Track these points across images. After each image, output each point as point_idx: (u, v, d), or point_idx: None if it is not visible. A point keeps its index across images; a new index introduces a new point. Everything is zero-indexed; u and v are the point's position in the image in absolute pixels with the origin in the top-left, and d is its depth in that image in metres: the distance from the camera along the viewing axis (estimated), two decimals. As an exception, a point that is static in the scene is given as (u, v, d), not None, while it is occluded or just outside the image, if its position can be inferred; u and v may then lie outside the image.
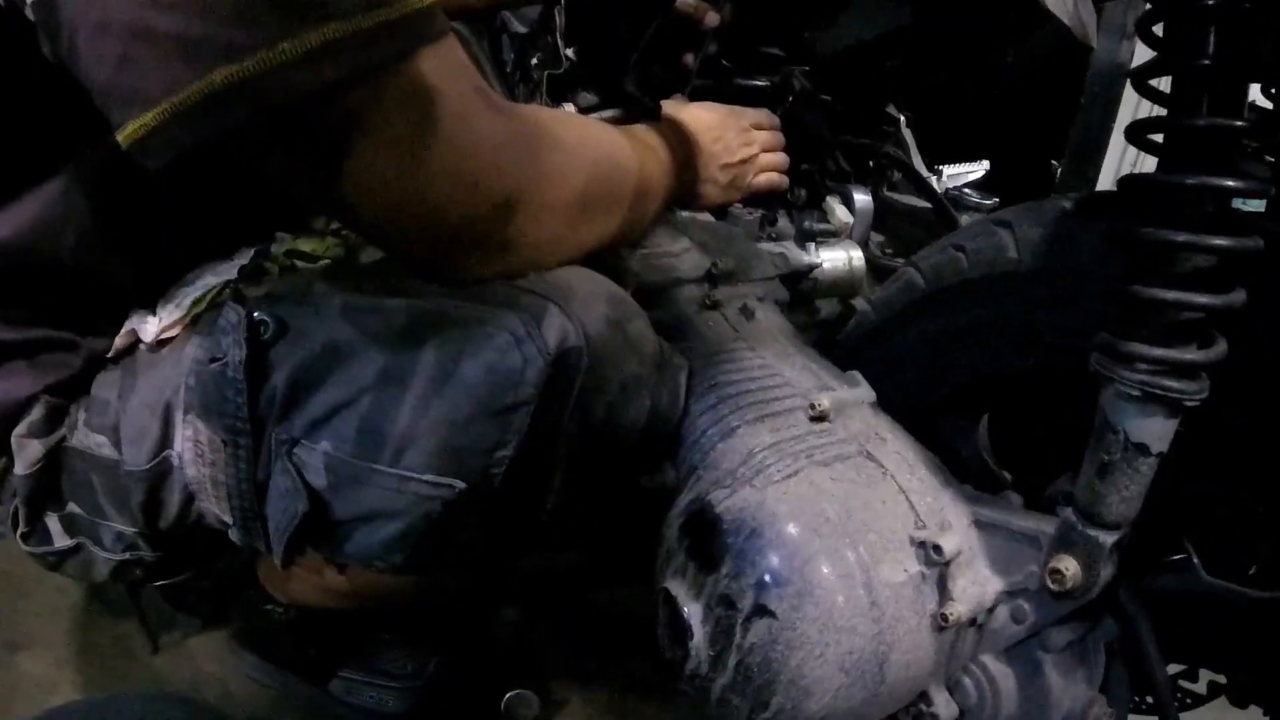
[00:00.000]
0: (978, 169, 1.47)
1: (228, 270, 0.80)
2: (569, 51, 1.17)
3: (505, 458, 0.70)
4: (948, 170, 1.44)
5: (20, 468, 0.81)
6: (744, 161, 1.07)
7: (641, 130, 0.95)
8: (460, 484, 0.70)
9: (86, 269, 0.76)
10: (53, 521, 0.86)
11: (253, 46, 0.54)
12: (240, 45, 0.54)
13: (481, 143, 0.68)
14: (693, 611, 0.71)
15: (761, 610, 0.66)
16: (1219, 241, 0.55)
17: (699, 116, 1.04)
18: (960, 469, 0.80)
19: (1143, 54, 0.61)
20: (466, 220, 0.69)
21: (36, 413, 0.80)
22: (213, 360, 0.74)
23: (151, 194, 0.73)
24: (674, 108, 1.05)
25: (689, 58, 1.14)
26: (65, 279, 0.76)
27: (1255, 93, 0.59)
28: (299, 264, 0.83)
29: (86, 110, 0.59)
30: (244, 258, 0.82)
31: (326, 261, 0.83)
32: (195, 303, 0.78)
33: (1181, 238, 0.56)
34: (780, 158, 1.14)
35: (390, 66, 0.60)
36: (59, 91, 0.61)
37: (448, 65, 0.64)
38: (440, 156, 0.65)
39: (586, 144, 0.80)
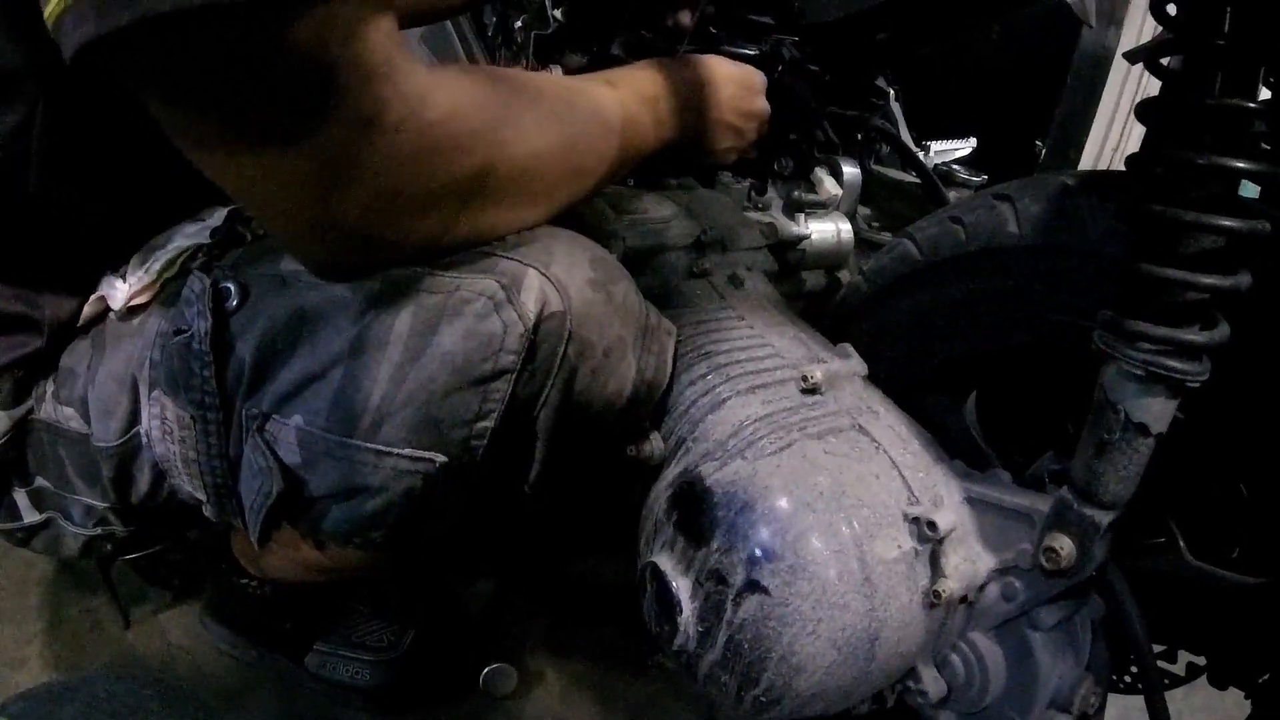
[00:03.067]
0: (965, 145, 1.46)
1: (199, 233, 0.77)
2: (556, 13, 1.15)
3: (486, 429, 0.69)
4: (936, 146, 1.43)
5: None
6: (755, 127, 1.04)
7: (640, 70, 0.90)
8: (441, 458, 0.68)
9: (49, 216, 0.72)
10: (20, 496, 0.84)
11: None
12: None
13: (371, 123, 0.59)
14: (681, 586, 0.71)
15: (753, 585, 0.66)
16: (1228, 223, 0.55)
17: (721, 67, 0.99)
18: (946, 445, 0.79)
19: (1127, 41, 0.60)
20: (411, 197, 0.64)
21: (3, 386, 0.78)
22: (177, 333, 0.71)
23: (115, 133, 0.69)
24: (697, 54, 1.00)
25: (685, 16, 1.12)
26: (27, 228, 0.72)
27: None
28: None
29: (33, 51, 0.55)
30: (215, 218, 0.79)
31: None
32: (165, 266, 0.75)
33: (1191, 217, 0.55)
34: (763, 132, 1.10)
35: (288, 14, 0.51)
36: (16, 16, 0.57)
37: (357, 33, 0.55)
38: (330, 137, 0.58)
39: (552, 103, 0.74)
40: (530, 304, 0.67)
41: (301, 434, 0.69)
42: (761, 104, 1.04)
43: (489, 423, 0.68)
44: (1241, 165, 0.54)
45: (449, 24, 1.49)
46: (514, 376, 0.67)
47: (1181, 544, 0.74)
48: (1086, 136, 1.93)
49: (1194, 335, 0.57)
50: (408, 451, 0.68)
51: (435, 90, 0.62)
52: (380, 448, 0.68)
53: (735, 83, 1.00)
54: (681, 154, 1.02)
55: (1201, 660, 0.83)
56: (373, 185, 0.61)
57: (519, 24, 1.26)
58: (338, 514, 0.73)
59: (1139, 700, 0.77)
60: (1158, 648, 0.87)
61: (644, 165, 1.02)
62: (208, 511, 0.79)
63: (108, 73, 0.53)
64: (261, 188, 0.62)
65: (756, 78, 1.04)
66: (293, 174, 0.59)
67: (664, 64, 0.92)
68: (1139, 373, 0.58)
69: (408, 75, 0.59)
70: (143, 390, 0.74)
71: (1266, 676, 0.77)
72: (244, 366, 0.70)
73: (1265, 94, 0.61)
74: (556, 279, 0.69)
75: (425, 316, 0.66)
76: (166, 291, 0.75)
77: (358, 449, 0.68)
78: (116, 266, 0.77)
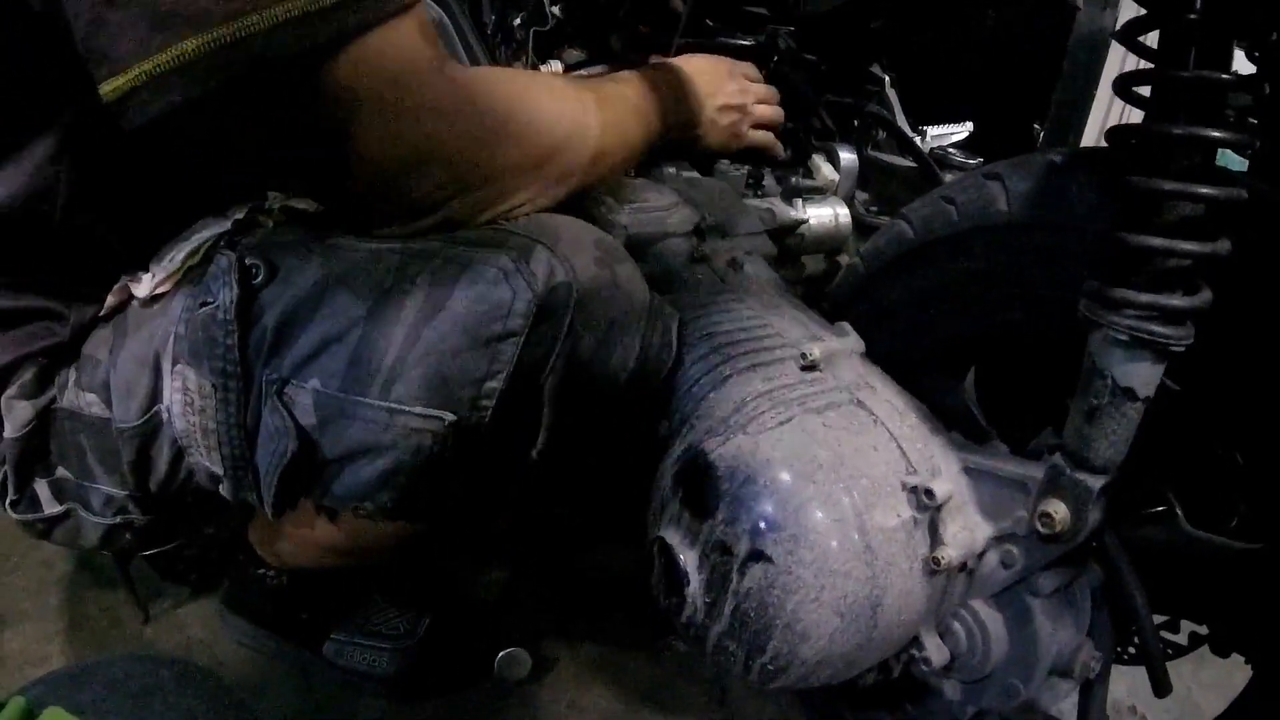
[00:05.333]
0: (962, 129, 1.47)
1: (221, 225, 0.80)
2: (555, 9, 1.17)
3: (494, 390, 0.71)
4: (932, 130, 1.44)
5: (10, 430, 0.81)
6: (740, 108, 1.11)
7: (620, 80, 0.97)
8: (449, 416, 0.71)
9: (76, 231, 0.75)
10: (41, 488, 0.86)
11: (222, 16, 0.55)
12: (209, 15, 0.55)
13: (436, 111, 0.70)
14: (688, 559, 0.72)
15: (757, 555, 0.67)
16: (1206, 190, 0.56)
17: (691, 62, 1.07)
18: (946, 421, 0.80)
19: (1124, 21, 0.61)
20: (423, 187, 0.73)
21: (26, 374, 0.80)
22: (202, 305, 0.74)
23: (142, 154, 0.72)
24: (666, 59, 1.08)
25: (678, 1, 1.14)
26: (54, 242, 0.76)
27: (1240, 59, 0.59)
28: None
29: (74, 67, 0.59)
30: (238, 214, 0.81)
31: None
32: (189, 256, 0.78)
33: (1170, 186, 0.57)
34: (775, 113, 1.16)
35: (351, 39, 0.62)
36: (48, 47, 0.61)
37: (411, 37, 0.66)
38: (405, 125, 0.68)
39: (545, 107, 0.81)
40: (539, 274, 0.70)
41: (318, 396, 0.72)
42: (738, 89, 1.11)
43: (496, 383, 0.71)
44: (1217, 135, 0.55)
45: (448, 22, 1.50)
46: (521, 340, 0.70)
47: (1179, 513, 0.75)
48: (1085, 118, 1.92)
49: (1177, 300, 0.59)
50: (418, 409, 0.70)
51: (478, 79, 0.73)
52: (392, 405, 0.70)
53: (706, 74, 1.07)
54: (680, 149, 1.10)
55: (1204, 629, 0.84)
56: (443, 166, 0.72)
57: (518, 21, 1.28)
58: (350, 477, 0.75)
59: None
60: (1160, 618, 0.88)
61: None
62: (224, 490, 0.80)
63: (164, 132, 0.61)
64: (338, 184, 0.73)
65: (725, 66, 1.11)
66: (364, 170, 0.70)
67: (638, 71, 1.00)
68: (1124, 339, 0.60)
69: (451, 67, 0.70)
70: (165, 365, 0.77)
71: (1267, 643, 0.78)
72: (266, 334, 0.73)
73: (1252, 68, 0.63)
74: (563, 254, 0.72)
75: (440, 284, 0.70)
76: (190, 276, 0.78)
77: (370, 407, 0.71)
78: (141, 265, 0.80)
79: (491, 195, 0.76)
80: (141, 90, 0.57)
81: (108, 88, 0.57)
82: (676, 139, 1.04)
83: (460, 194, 0.74)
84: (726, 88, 1.09)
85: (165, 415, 0.78)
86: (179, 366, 0.76)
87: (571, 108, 0.84)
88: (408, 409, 0.70)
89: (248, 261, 0.74)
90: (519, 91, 0.78)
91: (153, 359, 0.77)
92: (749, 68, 1.15)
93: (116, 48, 0.56)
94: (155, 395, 0.78)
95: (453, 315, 0.69)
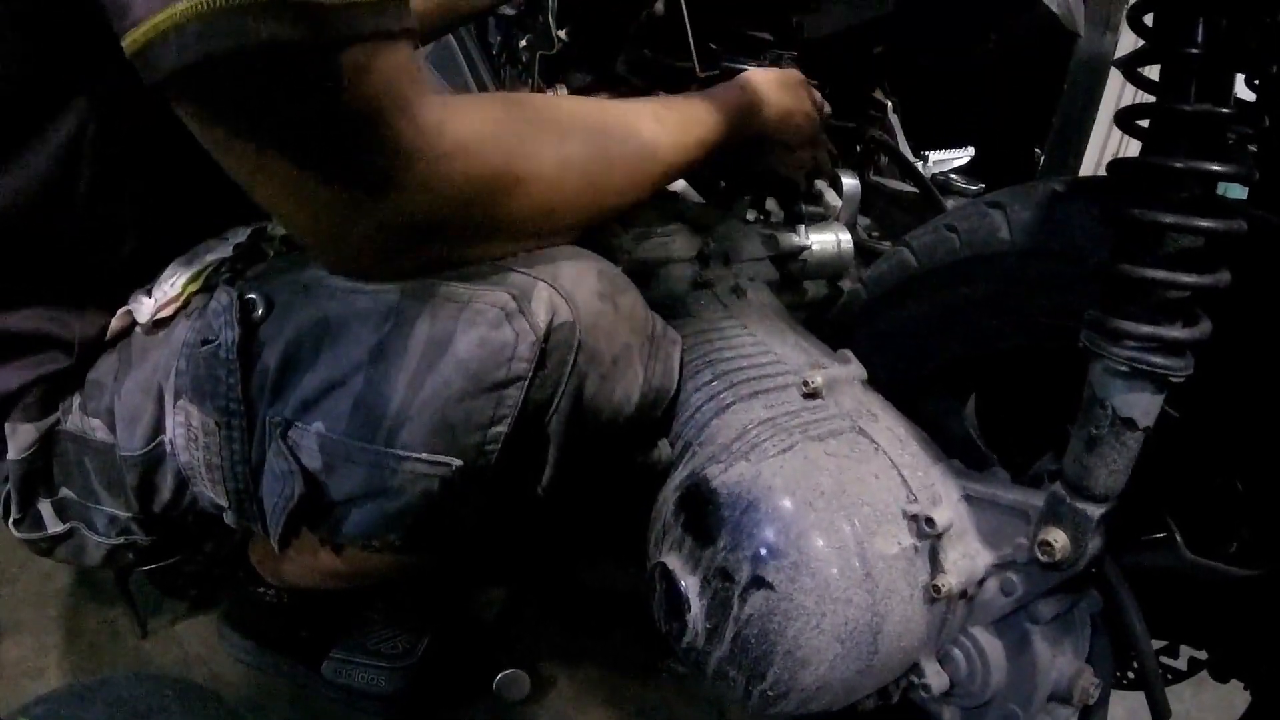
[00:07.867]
0: (964, 154, 1.48)
1: (223, 249, 0.80)
2: (561, 33, 1.18)
3: (500, 434, 0.70)
4: (934, 155, 1.45)
5: (13, 452, 0.81)
6: (803, 128, 1.05)
7: (684, 98, 0.93)
8: (456, 462, 0.70)
9: (90, 236, 0.75)
10: (45, 507, 0.86)
11: None
12: None
13: (448, 150, 0.65)
14: (690, 585, 0.72)
15: (758, 582, 0.67)
16: (1205, 223, 0.57)
17: (757, 79, 1.01)
18: (947, 447, 0.81)
19: (1125, 46, 0.62)
20: (435, 220, 0.68)
21: (30, 397, 0.80)
22: (204, 343, 0.74)
23: (157, 153, 0.72)
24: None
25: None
26: (66, 249, 0.75)
27: (1239, 85, 0.60)
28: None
29: (94, 35, 0.58)
30: (239, 237, 0.82)
31: None
32: (190, 280, 0.78)
33: (1170, 219, 0.57)
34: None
35: (360, 39, 0.57)
36: (67, 16, 0.60)
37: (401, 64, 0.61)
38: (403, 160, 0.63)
39: (574, 128, 0.76)
40: (541, 314, 0.69)
41: (323, 439, 0.71)
42: (803, 102, 1.04)
43: (503, 428, 0.70)
44: (1217, 168, 0.56)
45: (454, 44, 1.51)
46: (526, 383, 0.69)
47: (1179, 539, 0.75)
48: (1086, 143, 1.93)
49: (1176, 332, 0.59)
50: (425, 455, 0.69)
51: (451, 121, 0.65)
52: (399, 452, 0.69)
53: (777, 89, 1.01)
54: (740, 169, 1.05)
55: (1203, 655, 0.84)
56: (390, 210, 0.65)
57: (524, 43, 1.29)
58: (357, 517, 0.74)
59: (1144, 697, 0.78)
60: (1159, 643, 0.88)
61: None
62: (228, 519, 0.80)
63: (179, 101, 0.58)
64: (288, 207, 0.67)
65: (794, 76, 1.06)
66: (317, 199, 0.64)
67: (708, 92, 0.95)
68: (1124, 369, 0.60)
69: (424, 106, 0.63)
70: (168, 398, 0.77)
71: (1266, 668, 0.78)
72: (268, 374, 0.72)
73: (1251, 96, 0.64)
74: (565, 291, 0.71)
75: (441, 326, 0.68)
76: (192, 304, 0.78)
77: (377, 453, 0.70)
78: (147, 278, 0.80)
79: (461, 247, 0.72)
80: (160, 42, 0.54)
81: (128, 39, 0.55)
82: (731, 158, 0.98)
83: (419, 244, 0.70)
84: (798, 117, 1.04)
85: (169, 447, 0.78)
86: (181, 402, 0.76)
87: (590, 143, 0.76)
88: (414, 455, 0.69)
89: (247, 297, 0.73)
90: (514, 134, 0.70)
91: (156, 390, 0.77)
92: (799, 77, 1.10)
93: (134, 6, 0.54)
94: (159, 426, 0.78)
95: (455, 360, 0.68)
